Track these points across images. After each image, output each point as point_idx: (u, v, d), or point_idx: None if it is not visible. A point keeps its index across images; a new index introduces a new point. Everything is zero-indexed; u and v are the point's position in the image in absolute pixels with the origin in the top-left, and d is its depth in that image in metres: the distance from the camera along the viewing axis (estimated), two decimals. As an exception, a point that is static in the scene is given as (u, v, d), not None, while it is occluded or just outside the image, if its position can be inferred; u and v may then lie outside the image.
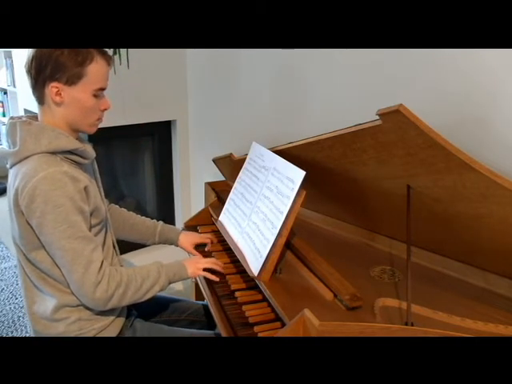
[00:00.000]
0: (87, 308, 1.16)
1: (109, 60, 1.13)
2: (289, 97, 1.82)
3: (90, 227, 1.13)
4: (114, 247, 1.30)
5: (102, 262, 1.10)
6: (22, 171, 1.06)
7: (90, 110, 1.12)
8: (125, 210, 1.51)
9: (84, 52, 1.07)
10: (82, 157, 1.15)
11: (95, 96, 1.11)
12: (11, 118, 1.15)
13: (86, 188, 1.11)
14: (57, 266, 1.11)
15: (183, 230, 1.57)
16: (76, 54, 1.06)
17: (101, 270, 1.09)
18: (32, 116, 1.17)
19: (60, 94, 1.08)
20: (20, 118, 1.14)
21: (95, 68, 1.09)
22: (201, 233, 1.66)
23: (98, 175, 1.30)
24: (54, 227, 1.04)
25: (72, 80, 1.07)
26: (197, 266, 1.28)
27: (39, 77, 1.07)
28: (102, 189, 1.29)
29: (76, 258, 1.06)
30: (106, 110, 1.16)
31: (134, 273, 1.16)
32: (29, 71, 1.09)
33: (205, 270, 1.29)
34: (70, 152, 1.12)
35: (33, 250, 1.11)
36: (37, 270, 1.15)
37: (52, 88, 1.07)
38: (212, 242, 1.53)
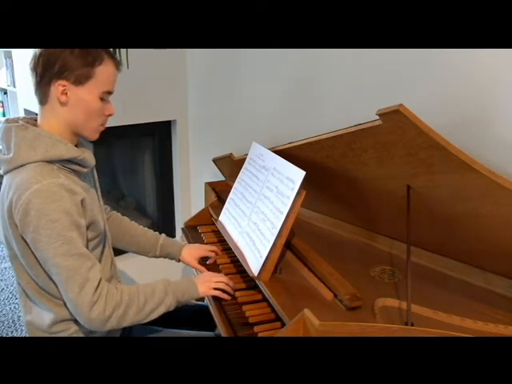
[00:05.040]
0: None
1: (117, 64, 1.10)
2: (289, 96, 1.82)
3: (87, 241, 1.08)
4: (111, 260, 1.25)
5: (100, 280, 1.04)
6: (15, 182, 1.01)
7: (94, 113, 1.09)
8: (127, 218, 1.45)
9: (94, 53, 1.04)
10: (80, 165, 1.11)
11: (101, 99, 1.08)
12: (7, 120, 1.10)
13: (82, 201, 1.06)
14: (53, 281, 1.07)
15: (186, 244, 1.47)
16: (86, 54, 1.03)
17: (97, 290, 1.02)
18: (29, 118, 1.13)
19: (66, 94, 1.04)
20: (16, 121, 1.09)
21: (104, 70, 1.06)
22: (201, 233, 1.66)
23: (98, 184, 1.25)
24: (48, 243, 0.99)
25: (80, 80, 1.04)
26: (209, 284, 1.20)
27: (46, 74, 1.03)
28: (101, 199, 1.24)
29: (71, 277, 1.00)
30: (110, 115, 1.13)
31: (136, 291, 1.09)
32: (34, 68, 1.05)
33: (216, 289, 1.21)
34: (68, 161, 1.07)
35: (28, 264, 1.07)
36: (32, 282, 1.11)
37: (58, 86, 1.03)
38: (217, 254, 1.44)
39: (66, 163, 1.08)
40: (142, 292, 1.10)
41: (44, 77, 1.04)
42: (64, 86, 1.04)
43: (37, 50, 1.05)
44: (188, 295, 1.18)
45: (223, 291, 1.22)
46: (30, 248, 1.03)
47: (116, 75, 1.11)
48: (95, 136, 1.14)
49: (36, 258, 1.04)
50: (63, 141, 1.07)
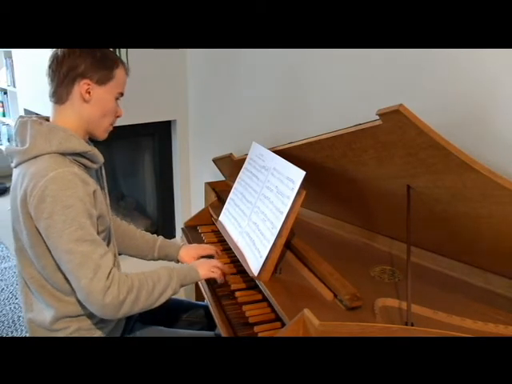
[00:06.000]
0: (87, 318, 1.14)
1: (126, 69, 1.20)
2: (289, 97, 1.82)
3: (97, 233, 1.10)
4: (115, 257, 1.26)
5: (112, 268, 1.06)
6: (30, 171, 1.04)
7: (108, 113, 1.17)
8: (125, 222, 1.46)
9: (111, 57, 1.15)
10: (91, 161, 1.15)
11: (116, 99, 1.18)
12: (21, 116, 1.14)
13: (94, 192, 1.10)
14: (60, 271, 1.08)
15: (183, 244, 1.49)
16: (106, 58, 1.13)
17: (109, 276, 1.03)
18: (41, 117, 1.16)
19: (89, 92, 1.12)
20: (30, 117, 1.14)
21: (120, 73, 1.16)
22: (201, 233, 1.66)
23: (105, 183, 1.29)
24: (62, 229, 1.01)
25: (102, 80, 1.12)
26: (208, 267, 1.26)
27: (69, 74, 1.10)
28: (107, 197, 1.27)
29: (84, 262, 1.01)
30: (119, 116, 1.21)
31: (144, 277, 1.12)
32: (57, 69, 1.10)
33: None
34: (80, 155, 1.11)
35: (37, 255, 1.08)
36: (37, 276, 1.12)
37: (84, 85, 1.11)
38: (217, 254, 1.44)
39: (78, 157, 1.11)
40: (149, 277, 1.13)
41: (67, 76, 1.10)
42: (89, 84, 1.11)
43: (58, 51, 1.11)
44: (190, 278, 1.22)
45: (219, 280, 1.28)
46: (41, 237, 1.05)
47: (126, 79, 1.21)
48: (105, 135, 1.21)
49: (47, 247, 1.06)
50: (76, 136, 1.11)
